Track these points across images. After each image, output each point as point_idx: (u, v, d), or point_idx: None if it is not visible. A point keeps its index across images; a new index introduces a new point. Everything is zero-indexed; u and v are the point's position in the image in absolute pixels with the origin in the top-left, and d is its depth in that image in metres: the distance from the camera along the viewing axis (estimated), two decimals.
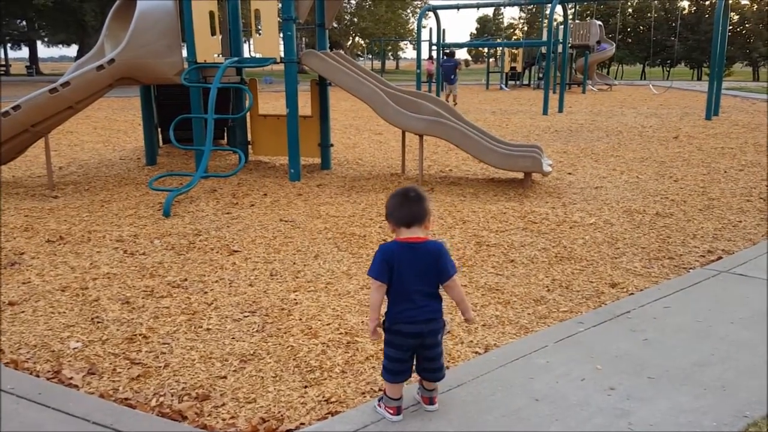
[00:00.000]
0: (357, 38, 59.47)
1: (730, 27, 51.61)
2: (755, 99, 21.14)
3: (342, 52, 8.69)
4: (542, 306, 3.72)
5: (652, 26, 42.64)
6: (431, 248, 2.31)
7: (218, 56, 7.65)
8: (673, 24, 42.52)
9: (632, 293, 3.86)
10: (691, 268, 4.32)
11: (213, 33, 7.50)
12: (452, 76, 19.79)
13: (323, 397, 2.65)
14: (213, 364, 2.97)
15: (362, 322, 3.42)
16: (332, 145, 8.55)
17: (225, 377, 2.84)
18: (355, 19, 54.91)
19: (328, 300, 3.76)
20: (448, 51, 21.50)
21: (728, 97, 21.18)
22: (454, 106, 19.04)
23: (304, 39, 37.48)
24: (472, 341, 3.21)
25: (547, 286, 4.04)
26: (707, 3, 51.26)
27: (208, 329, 3.36)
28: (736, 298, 3.62)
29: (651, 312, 3.40)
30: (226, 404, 2.62)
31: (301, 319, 3.46)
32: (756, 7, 56.05)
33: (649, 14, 44.13)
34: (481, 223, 5.55)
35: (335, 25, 50.83)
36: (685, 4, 55.82)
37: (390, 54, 79.30)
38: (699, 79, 49.73)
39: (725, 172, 7.85)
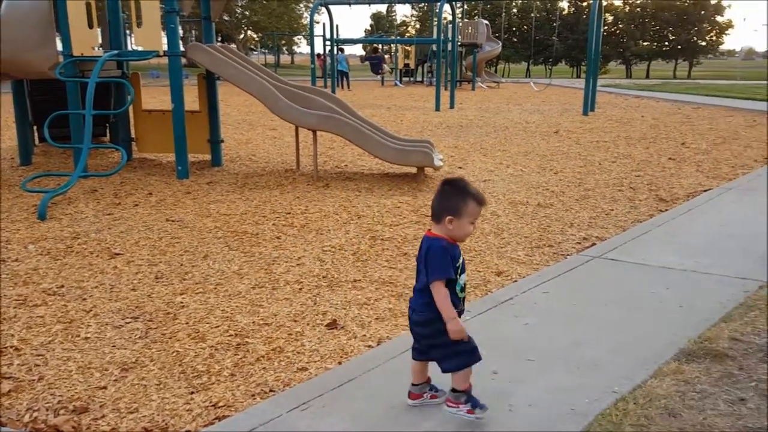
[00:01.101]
0: (249, 32, 58.14)
1: (605, 27, 55.22)
2: (628, 95, 22.75)
3: (235, 46, 8.50)
4: None
5: (533, 26, 44.81)
6: (427, 245, 2.26)
7: (98, 49, 7.23)
8: (554, 24, 44.89)
9: (516, 280, 4.05)
10: (568, 255, 4.59)
11: (90, 25, 7.08)
12: (380, 71, 21.92)
13: (210, 402, 2.58)
14: (92, 374, 2.81)
15: (253, 322, 3.36)
16: (223, 141, 8.33)
17: (105, 388, 2.70)
18: (247, 13, 53.68)
19: (218, 301, 3.66)
20: (374, 48, 23.56)
21: (604, 93, 22.64)
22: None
23: (194, 32, 36.21)
24: (365, 335, 3.24)
25: None
26: (584, 4, 54.51)
27: (86, 338, 3.17)
28: (608, 281, 3.89)
29: (532, 298, 3.58)
30: (107, 416, 2.49)
31: (187, 323, 3.35)
32: (628, 8, 60.33)
33: (532, 14, 46.38)
34: (375, 218, 5.61)
35: (226, 18, 49.43)
36: (565, 4, 59.16)
37: (285, 48, 78.22)
38: (578, 76, 52.84)
39: (600, 164, 8.39)
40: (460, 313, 2.30)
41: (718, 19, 58.87)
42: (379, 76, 23.57)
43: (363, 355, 2.96)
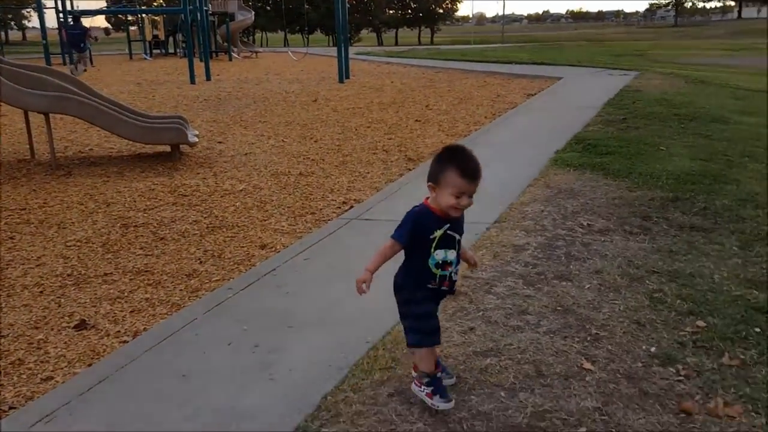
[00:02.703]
0: None
1: None
2: (380, 62, 24.04)
3: None
4: (194, 279, 3.72)
5: None
6: None
7: None
8: None
9: (279, 251, 4.11)
10: (328, 220, 4.77)
11: None
12: (82, 44, 18.20)
13: None
14: None
15: None
16: None
17: None
18: None
19: None
20: (73, 16, 19.62)
21: (358, 61, 23.65)
22: (84, 71, 17.17)
23: None
24: (119, 331, 3.06)
25: (199, 259, 4.05)
26: None
27: None
28: (363, 240, 4.12)
29: (293, 266, 3.67)
30: None
31: None
32: None
33: None
34: (127, 204, 5.27)
35: None
36: None
37: (13, 24, 68.57)
38: (334, 45, 54.48)
39: (356, 129, 8.80)
40: (438, 292, 2.21)
41: None
42: (74, 65, 17.90)
43: (117, 352, 2.79)
